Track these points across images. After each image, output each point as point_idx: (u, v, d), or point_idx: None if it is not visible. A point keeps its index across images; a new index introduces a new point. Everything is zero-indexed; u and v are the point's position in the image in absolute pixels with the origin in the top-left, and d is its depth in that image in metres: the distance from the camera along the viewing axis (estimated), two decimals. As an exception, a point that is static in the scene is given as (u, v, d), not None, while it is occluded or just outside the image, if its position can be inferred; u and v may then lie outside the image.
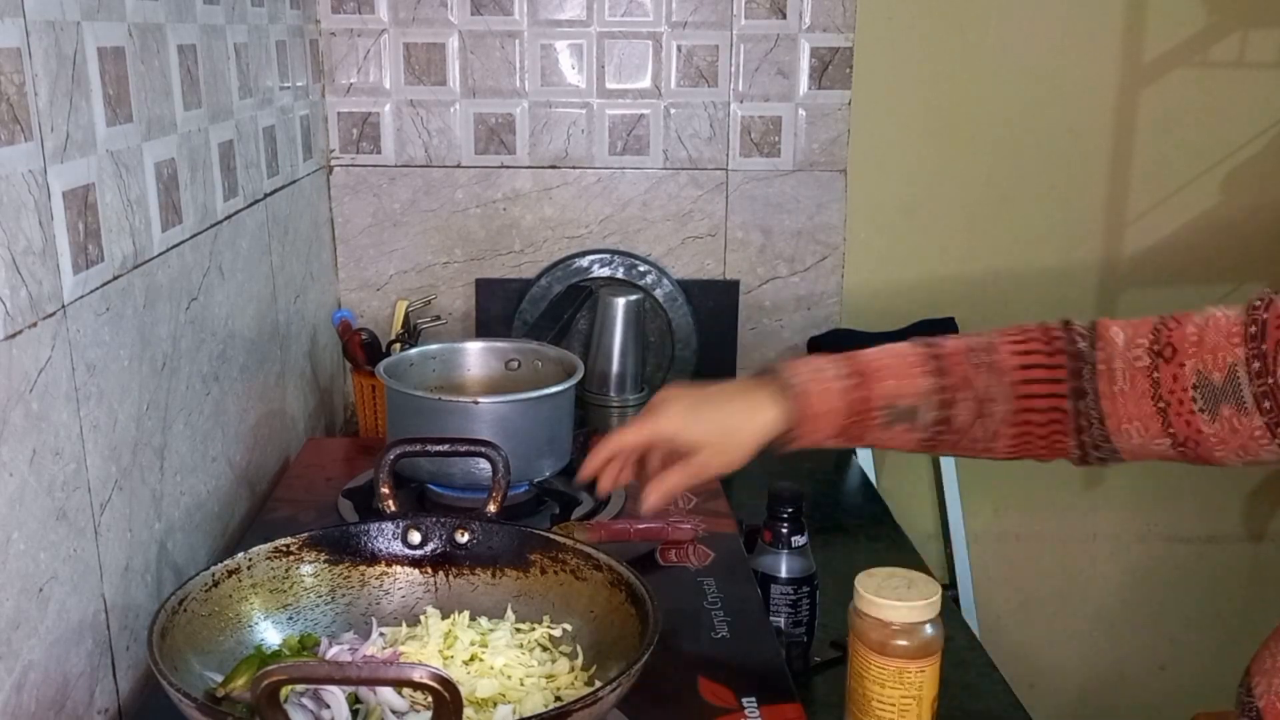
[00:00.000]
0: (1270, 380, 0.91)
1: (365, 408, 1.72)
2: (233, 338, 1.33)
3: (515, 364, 1.46)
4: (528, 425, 1.31)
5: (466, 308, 1.94)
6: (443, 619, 0.94)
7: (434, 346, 1.48)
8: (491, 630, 0.93)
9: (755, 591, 1.17)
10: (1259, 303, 0.94)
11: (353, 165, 1.89)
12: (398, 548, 0.99)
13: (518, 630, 0.94)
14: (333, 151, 1.89)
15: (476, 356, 1.48)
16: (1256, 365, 0.92)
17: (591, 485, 1.06)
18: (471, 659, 0.90)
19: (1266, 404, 0.91)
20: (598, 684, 0.83)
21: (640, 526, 1.22)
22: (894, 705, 0.98)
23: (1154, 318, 0.99)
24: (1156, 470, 2.09)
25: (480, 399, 1.31)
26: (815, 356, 1.05)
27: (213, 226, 1.26)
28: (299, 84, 1.69)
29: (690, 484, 1.02)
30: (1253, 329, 0.93)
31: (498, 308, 1.92)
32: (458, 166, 1.90)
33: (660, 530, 1.22)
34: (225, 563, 0.91)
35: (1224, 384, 0.93)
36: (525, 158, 1.90)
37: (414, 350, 1.48)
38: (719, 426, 1.01)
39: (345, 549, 0.98)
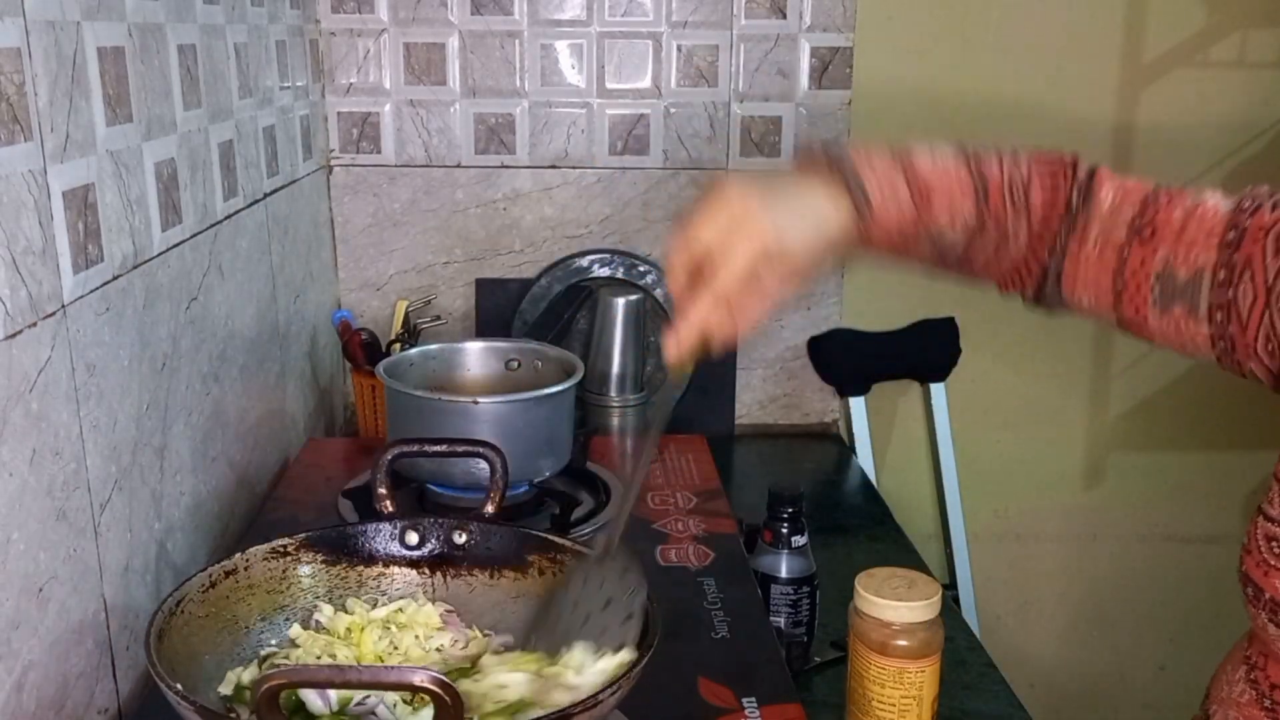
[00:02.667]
0: (1229, 294, 0.88)
1: (365, 408, 1.72)
2: (233, 338, 1.33)
3: (515, 364, 1.46)
4: (528, 425, 1.31)
5: (466, 308, 1.94)
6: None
7: (434, 346, 1.48)
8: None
9: (755, 591, 1.17)
10: (1248, 204, 0.90)
11: (353, 165, 1.89)
12: (395, 548, 0.99)
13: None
14: (333, 151, 1.89)
15: (476, 356, 1.47)
16: (1222, 274, 0.88)
17: (592, 484, 1.04)
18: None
19: (1218, 316, 0.89)
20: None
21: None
22: (894, 705, 0.98)
23: (1148, 186, 0.95)
24: (1157, 470, 2.09)
25: (480, 399, 1.31)
26: (875, 154, 0.93)
27: (213, 226, 1.26)
28: (299, 84, 1.69)
29: (777, 306, 0.87)
30: (1231, 234, 0.89)
31: (498, 308, 1.92)
32: (458, 166, 1.90)
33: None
34: (222, 564, 0.91)
35: (1185, 284, 0.90)
36: (525, 158, 1.90)
37: (414, 350, 1.48)
38: (814, 233, 0.87)
39: (342, 550, 0.98)
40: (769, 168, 1.91)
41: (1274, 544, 0.83)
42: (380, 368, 1.37)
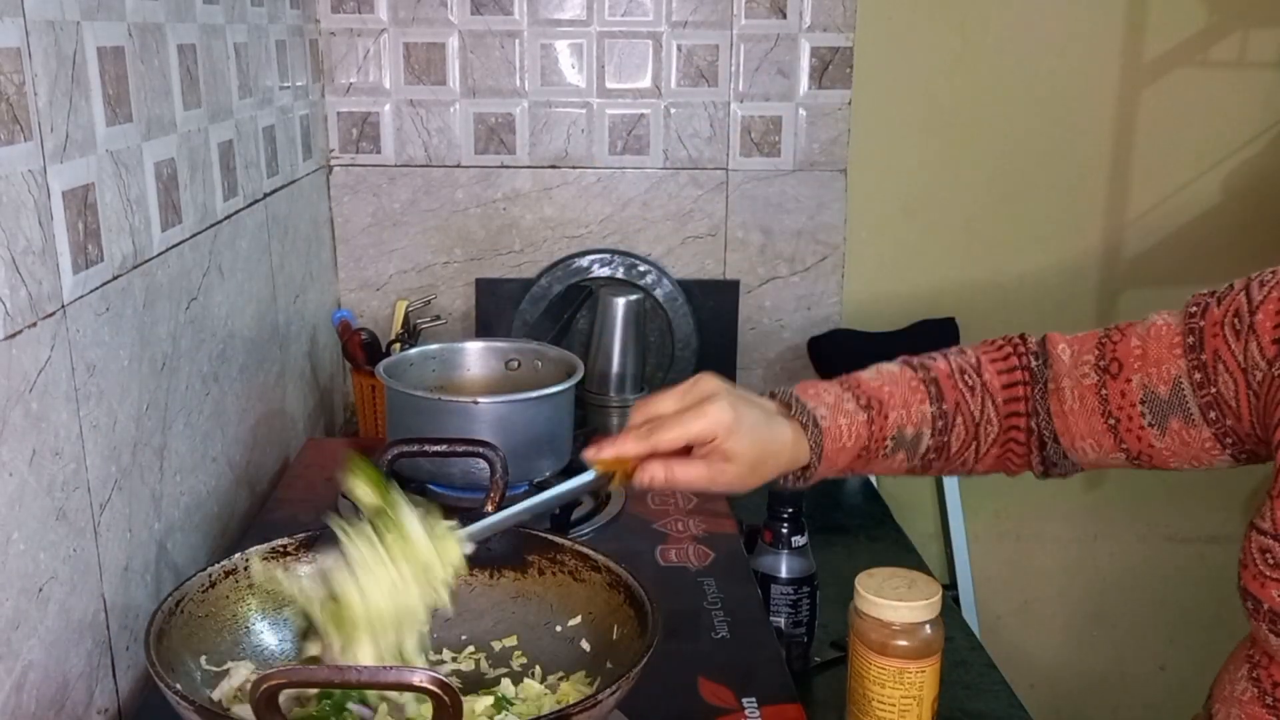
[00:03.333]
0: (1213, 390, 0.91)
1: (365, 408, 1.72)
2: (232, 338, 1.33)
3: (515, 364, 1.46)
4: (527, 425, 1.31)
5: (466, 308, 1.94)
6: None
7: (434, 346, 1.48)
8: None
9: (755, 591, 1.17)
10: (1195, 309, 0.94)
11: (352, 165, 1.89)
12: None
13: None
14: (332, 151, 1.89)
15: (476, 356, 1.47)
16: (1198, 376, 0.92)
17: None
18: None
19: (1212, 414, 0.91)
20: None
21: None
22: (894, 705, 0.98)
23: (1099, 331, 0.99)
24: (1158, 471, 2.09)
25: (480, 399, 1.31)
26: (824, 385, 1.00)
27: (212, 226, 1.26)
28: (299, 84, 1.69)
29: (700, 485, 0.93)
30: (1190, 339, 0.92)
31: (498, 308, 1.92)
32: (458, 166, 1.90)
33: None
34: (222, 564, 0.91)
35: (1170, 397, 0.93)
36: (525, 157, 1.90)
37: (414, 350, 1.48)
38: (761, 448, 0.93)
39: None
40: (769, 167, 1.91)
41: (1268, 556, 0.84)
42: (380, 368, 1.37)
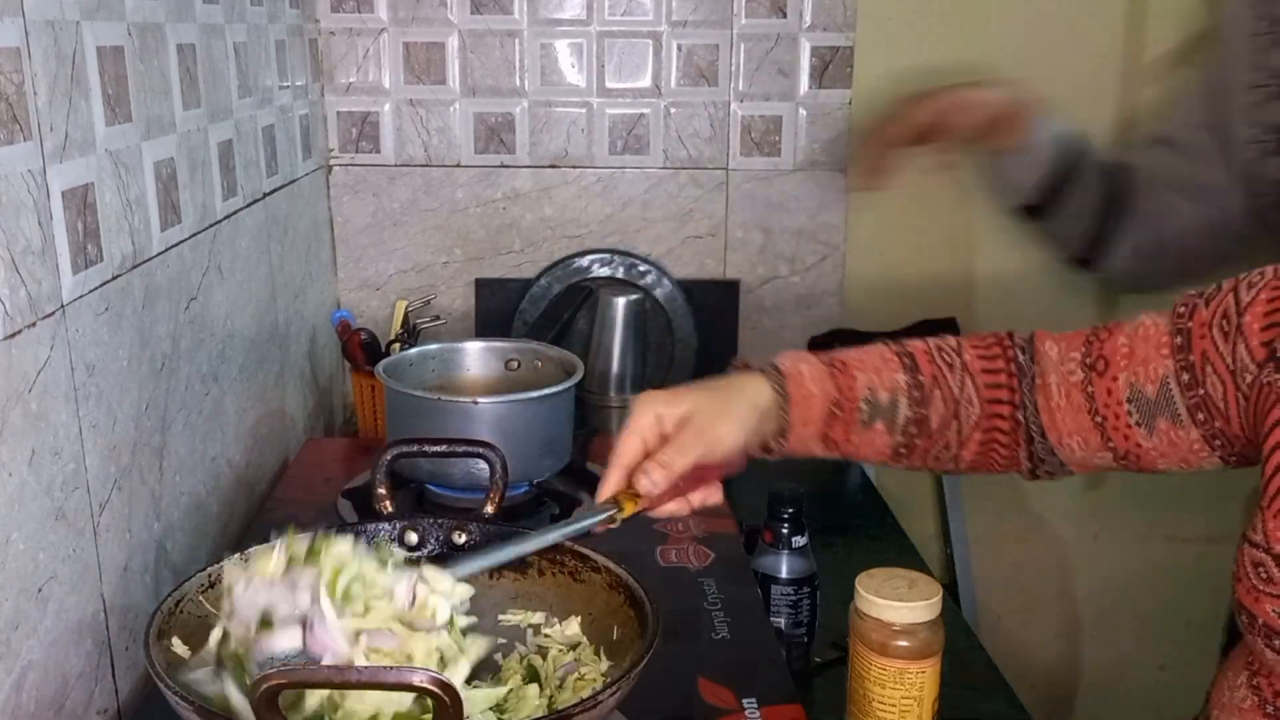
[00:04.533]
0: (1201, 391, 0.90)
1: (365, 408, 1.72)
2: (232, 338, 1.33)
3: (515, 364, 1.46)
4: (528, 425, 1.31)
5: (466, 308, 1.94)
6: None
7: (433, 346, 1.48)
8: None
9: (755, 591, 1.17)
10: (1183, 309, 0.93)
11: (352, 165, 1.89)
12: (395, 549, 0.99)
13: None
14: (332, 151, 1.88)
15: (476, 356, 1.47)
16: (1186, 377, 0.91)
17: (592, 485, 1.05)
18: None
19: (1200, 416, 0.91)
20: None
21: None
22: (894, 706, 0.98)
23: (1087, 329, 0.99)
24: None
25: (480, 399, 1.31)
26: (797, 352, 1.03)
27: (212, 226, 1.26)
28: (298, 83, 1.69)
29: (692, 458, 0.93)
30: (1178, 340, 0.92)
31: (498, 308, 1.92)
32: (457, 166, 1.90)
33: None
34: (222, 563, 0.91)
35: (1157, 397, 0.92)
36: (525, 157, 1.90)
37: (413, 350, 1.48)
38: (707, 395, 0.96)
39: (344, 549, 0.97)
40: (769, 167, 1.91)
41: (1260, 569, 0.84)
42: (379, 368, 1.37)
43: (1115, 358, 0.95)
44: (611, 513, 0.91)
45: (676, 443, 0.93)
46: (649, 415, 0.94)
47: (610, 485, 0.92)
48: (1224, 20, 1.40)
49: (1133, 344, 0.94)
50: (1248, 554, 0.85)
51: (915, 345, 1.02)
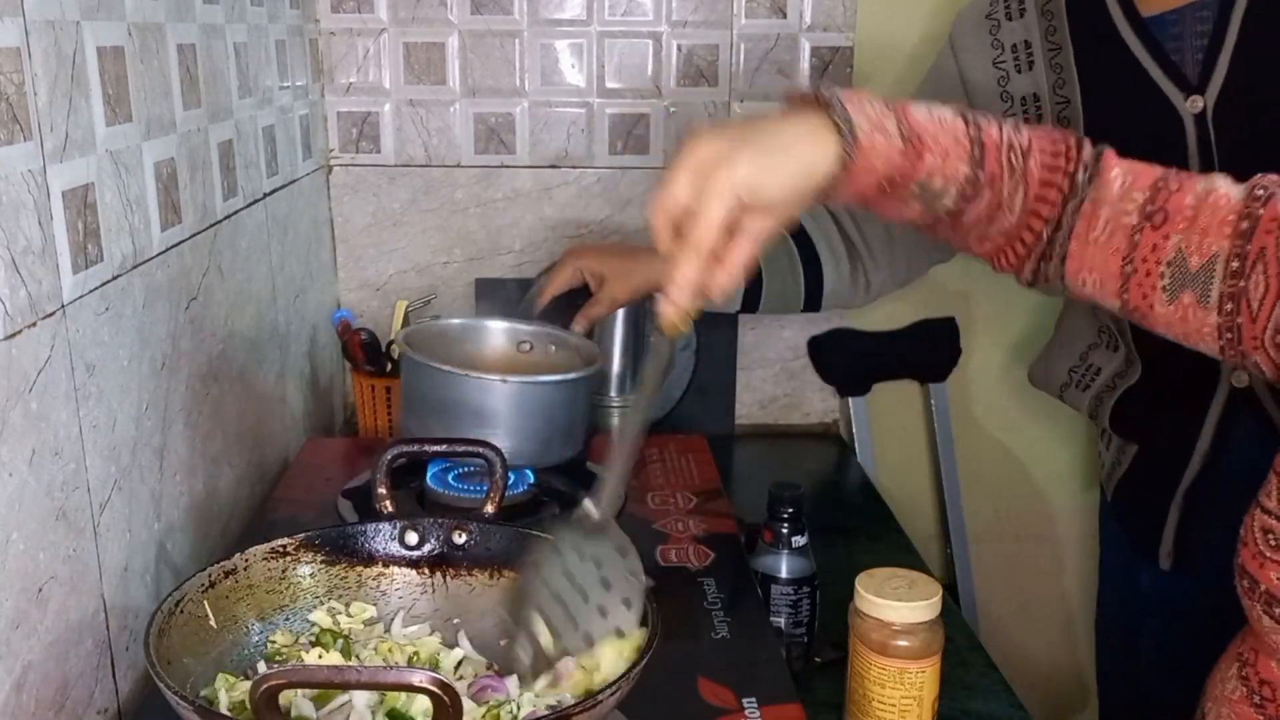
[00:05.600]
0: (1241, 284, 0.87)
1: (365, 408, 1.72)
2: (232, 338, 1.33)
3: (528, 346, 1.45)
4: (549, 408, 1.29)
5: (466, 308, 1.94)
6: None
7: (455, 321, 1.47)
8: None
9: (755, 591, 1.17)
10: (1260, 193, 0.89)
11: (352, 165, 1.89)
12: (395, 549, 0.99)
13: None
14: (332, 151, 1.89)
15: (492, 336, 1.46)
16: (1235, 264, 0.87)
17: (591, 485, 1.03)
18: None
19: (1228, 306, 0.87)
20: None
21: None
22: (894, 706, 0.98)
23: (1158, 170, 0.93)
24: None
25: (509, 377, 1.28)
26: (869, 98, 0.92)
27: (212, 226, 1.26)
28: (299, 83, 1.69)
29: (763, 228, 0.86)
30: (1244, 224, 0.87)
31: (498, 308, 1.91)
32: (457, 166, 1.90)
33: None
34: (222, 564, 0.91)
35: (1197, 272, 0.88)
36: (525, 157, 1.90)
37: (429, 324, 1.47)
38: (777, 145, 0.86)
39: (342, 550, 0.98)
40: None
41: (1270, 536, 0.83)
42: (401, 336, 1.36)
43: (1177, 216, 0.90)
44: (686, 336, 0.87)
45: (742, 243, 0.85)
46: (708, 151, 0.85)
47: (690, 276, 0.84)
48: (957, 46, 1.44)
49: (1198, 209, 0.89)
50: (1258, 519, 0.84)
51: (990, 135, 0.92)
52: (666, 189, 0.85)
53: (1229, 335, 0.88)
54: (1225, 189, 0.90)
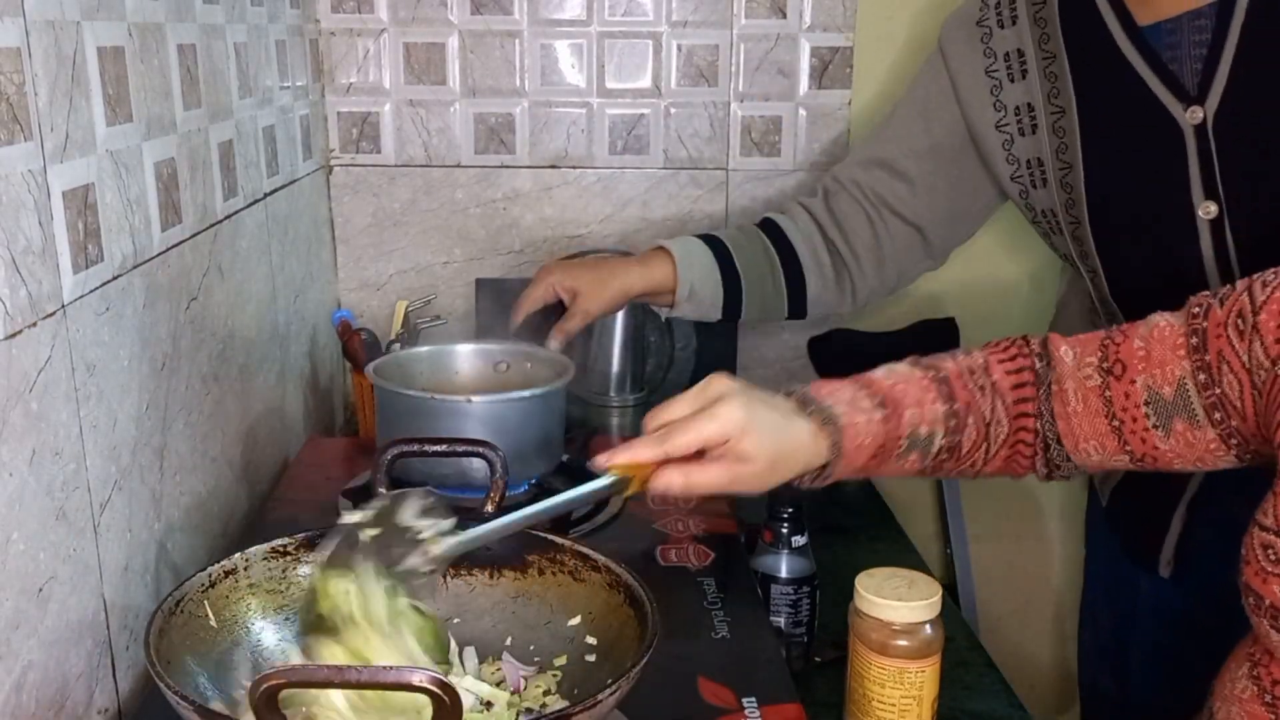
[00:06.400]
0: (1217, 391, 0.91)
1: (365, 408, 1.72)
2: (232, 337, 1.33)
3: (504, 366, 1.46)
4: (521, 425, 1.31)
5: (466, 308, 1.94)
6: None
7: (423, 349, 1.48)
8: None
9: (755, 591, 1.17)
10: (1198, 310, 0.94)
11: (352, 165, 1.89)
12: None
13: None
14: (332, 151, 1.89)
15: (466, 359, 1.47)
16: (1202, 377, 0.92)
17: (589, 476, 1.03)
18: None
19: (1217, 415, 0.92)
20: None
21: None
22: (894, 705, 0.98)
23: (1101, 333, 0.99)
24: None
25: (474, 397, 1.30)
26: (837, 384, 1.00)
27: (212, 226, 1.26)
28: (299, 84, 1.69)
29: (721, 490, 0.94)
30: (1194, 340, 0.92)
31: (498, 308, 1.91)
32: (458, 166, 1.90)
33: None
34: (222, 563, 0.91)
35: (1174, 398, 0.93)
36: (525, 157, 1.90)
37: (403, 352, 1.47)
38: (778, 446, 0.94)
39: (344, 549, 0.97)
40: (769, 167, 1.91)
41: (1270, 552, 0.84)
42: (370, 369, 1.36)
43: (1132, 361, 0.95)
44: (614, 480, 0.92)
45: (715, 467, 0.93)
46: (726, 430, 0.92)
47: (642, 454, 0.92)
48: (948, 54, 1.40)
49: (1149, 346, 0.95)
50: (1258, 537, 0.86)
51: (948, 368, 1.00)
52: (672, 404, 0.95)
53: (1235, 442, 0.92)
54: (1164, 321, 0.95)
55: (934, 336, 1.94)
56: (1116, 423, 0.96)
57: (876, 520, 1.66)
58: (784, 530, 1.19)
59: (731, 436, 0.91)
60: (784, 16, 1.84)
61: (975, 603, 2.01)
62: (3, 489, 0.80)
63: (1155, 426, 0.94)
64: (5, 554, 0.81)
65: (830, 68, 1.87)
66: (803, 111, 1.89)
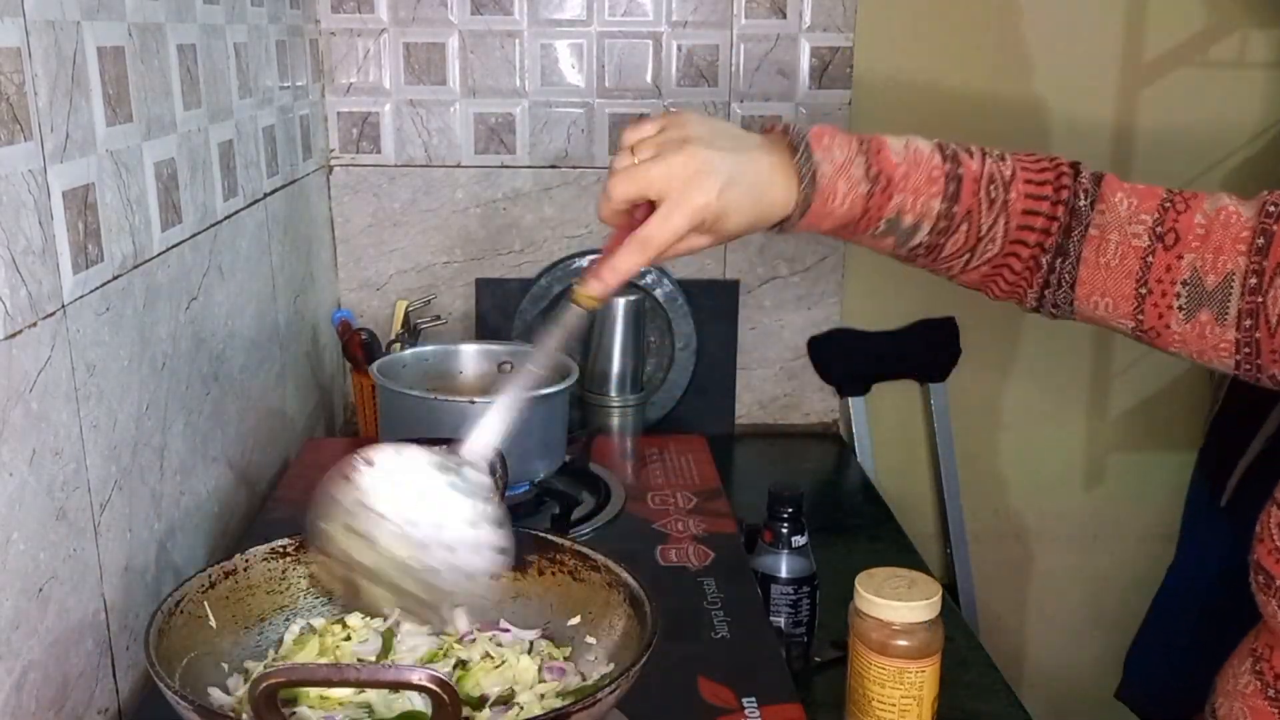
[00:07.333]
0: (1259, 299, 0.87)
1: (365, 408, 1.72)
2: (232, 338, 1.33)
3: (508, 366, 1.46)
4: (524, 426, 1.30)
5: (466, 308, 1.94)
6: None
7: (428, 349, 1.48)
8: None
9: (755, 591, 1.17)
10: (1273, 209, 0.88)
11: (353, 165, 1.89)
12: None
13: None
14: (333, 151, 1.89)
15: (470, 359, 1.47)
16: (1253, 281, 0.87)
17: (593, 484, 1.04)
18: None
19: (1247, 322, 0.87)
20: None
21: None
22: (894, 705, 0.98)
23: (1161, 191, 0.93)
24: (1157, 470, 2.09)
25: (476, 399, 1.30)
26: (842, 139, 0.92)
27: (212, 226, 1.26)
28: (299, 84, 1.69)
29: (704, 246, 0.91)
30: (1260, 241, 0.87)
31: (498, 308, 1.92)
32: (458, 166, 1.90)
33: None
34: (222, 564, 0.91)
35: (1215, 290, 0.88)
36: (525, 157, 1.90)
37: (408, 352, 1.47)
38: (751, 178, 0.88)
39: (344, 549, 0.97)
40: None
41: None
42: (374, 368, 1.36)
43: (1188, 236, 0.89)
44: (578, 310, 0.92)
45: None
46: (701, 199, 0.87)
47: (627, 264, 0.91)
48: None
49: (1210, 227, 0.89)
50: (1274, 516, 0.84)
51: (969, 169, 0.92)
52: (645, 168, 0.88)
53: (1246, 350, 0.89)
54: (1235, 206, 0.90)
55: (934, 336, 1.94)
56: (1144, 290, 0.90)
57: (876, 520, 1.66)
58: (784, 530, 1.19)
59: (705, 220, 0.88)
60: (784, 16, 1.84)
61: (975, 603, 2.01)
62: (3, 489, 0.80)
63: (1180, 308, 0.89)
64: (5, 554, 0.81)
65: (830, 68, 1.87)
66: (803, 112, 1.89)
